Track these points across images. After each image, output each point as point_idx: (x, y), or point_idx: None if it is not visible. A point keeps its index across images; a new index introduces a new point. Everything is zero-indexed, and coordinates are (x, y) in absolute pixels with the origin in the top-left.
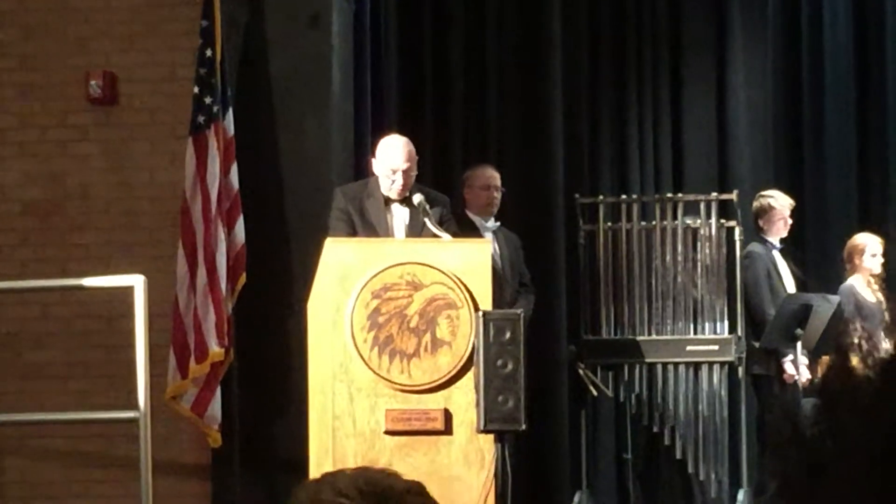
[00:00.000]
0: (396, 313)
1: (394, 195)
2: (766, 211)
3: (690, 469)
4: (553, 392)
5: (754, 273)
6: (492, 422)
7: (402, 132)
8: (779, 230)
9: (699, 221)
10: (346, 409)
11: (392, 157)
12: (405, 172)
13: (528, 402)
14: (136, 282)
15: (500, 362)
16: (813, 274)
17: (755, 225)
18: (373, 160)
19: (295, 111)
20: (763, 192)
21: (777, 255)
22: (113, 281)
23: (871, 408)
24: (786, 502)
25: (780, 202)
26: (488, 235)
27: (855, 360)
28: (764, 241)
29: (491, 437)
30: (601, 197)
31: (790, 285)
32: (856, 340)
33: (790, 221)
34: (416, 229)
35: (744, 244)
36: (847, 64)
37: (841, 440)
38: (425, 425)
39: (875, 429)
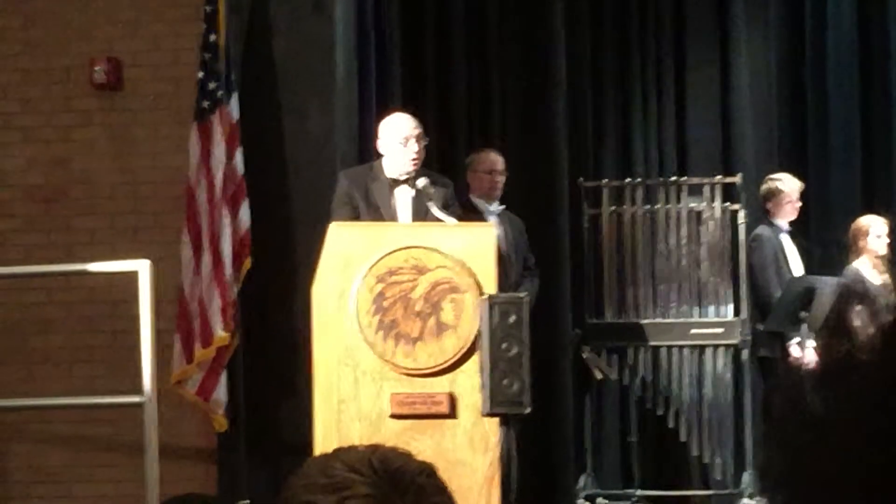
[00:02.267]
0: (401, 297)
1: (408, 167)
2: (774, 194)
3: (695, 452)
4: (558, 375)
5: (761, 256)
6: (497, 405)
7: None
8: (787, 213)
9: (703, 204)
10: (352, 393)
11: (402, 126)
12: (417, 139)
13: (532, 385)
14: (141, 267)
15: (505, 346)
16: (817, 258)
17: (763, 208)
18: (378, 141)
19: (299, 96)
20: (771, 175)
21: (785, 238)
22: (118, 266)
23: (871, 371)
24: (783, 476)
25: (789, 185)
26: (492, 219)
27: (856, 323)
28: (771, 224)
29: (496, 420)
30: (605, 180)
31: (797, 268)
32: (857, 308)
33: (798, 204)
34: (420, 213)
35: (748, 227)
36: (851, 47)
37: (842, 405)
38: (430, 409)
39: (876, 392)
